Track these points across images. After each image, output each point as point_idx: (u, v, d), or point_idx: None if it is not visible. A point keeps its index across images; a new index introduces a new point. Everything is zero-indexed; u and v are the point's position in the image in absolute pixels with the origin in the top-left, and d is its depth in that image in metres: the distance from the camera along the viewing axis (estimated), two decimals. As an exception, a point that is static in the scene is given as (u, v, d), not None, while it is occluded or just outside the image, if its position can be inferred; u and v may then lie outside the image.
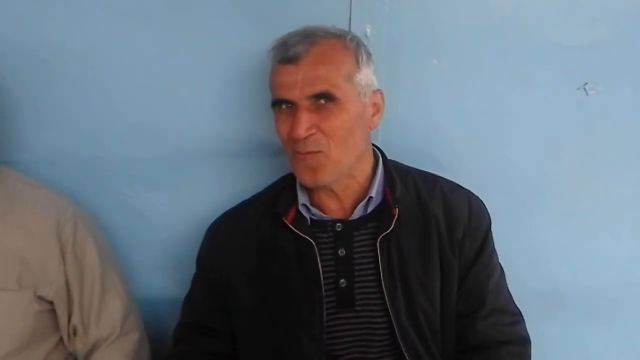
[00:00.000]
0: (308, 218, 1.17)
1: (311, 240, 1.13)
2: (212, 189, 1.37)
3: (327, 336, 1.13)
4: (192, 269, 1.39)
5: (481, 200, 1.23)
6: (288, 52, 1.08)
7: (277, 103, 1.11)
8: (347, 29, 1.28)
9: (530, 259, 1.41)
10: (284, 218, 1.15)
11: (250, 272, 1.17)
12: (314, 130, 1.08)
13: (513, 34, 1.33)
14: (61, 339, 1.22)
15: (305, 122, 1.07)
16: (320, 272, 1.13)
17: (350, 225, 1.16)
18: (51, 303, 1.17)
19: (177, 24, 1.29)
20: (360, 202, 1.16)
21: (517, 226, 1.39)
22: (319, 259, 1.13)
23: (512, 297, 1.24)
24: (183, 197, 1.37)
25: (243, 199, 1.30)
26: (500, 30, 1.33)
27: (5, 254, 1.12)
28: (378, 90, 1.17)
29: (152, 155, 1.34)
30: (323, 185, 1.13)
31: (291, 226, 1.14)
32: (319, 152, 1.09)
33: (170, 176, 1.36)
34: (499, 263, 1.24)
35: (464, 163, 1.38)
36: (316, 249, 1.13)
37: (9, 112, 1.29)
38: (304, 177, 1.12)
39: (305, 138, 1.07)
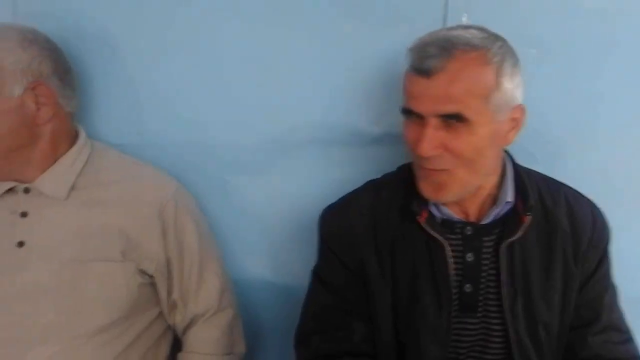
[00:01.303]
0: (439, 217, 1.14)
1: (443, 242, 1.11)
2: (308, 177, 1.38)
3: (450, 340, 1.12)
4: (286, 254, 1.44)
5: (601, 211, 1.18)
6: (423, 63, 1.02)
7: (406, 112, 1.08)
8: (443, 17, 1.27)
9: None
10: (417, 217, 1.12)
11: (381, 262, 1.15)
12: (440, 150, 1.04)
13: (620, 24, 1.28)
14: (161, 312, 1.28)
15: (431, 141, 1.03)
16: (450, 275, 1.11)
17: (480, 230, 1.13)
18: (152, 277, 1.23)
19: (282, 15, 1.32)
20: (488, 205, 1.13)
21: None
22: (449, 262, 1.11)
23: (624, 315, 1.19)
24: (280, 184, 1.39)
25: (338, 188, 1.32)
26: (604, 20, 1.28)
27: (110, 227, 1.18)
28: (519, 105, 1.09)
29: (252, 142, 1.37)
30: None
31: (425, 226, 1.12)
32: (444, 170, 1.06)
33: (268, 163, 1.39)
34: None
35: (563, 162, 1.34)
36: (447, 251, 1.11)
37: (113, 96, 1.37)
38: (426, 192, 1.10)
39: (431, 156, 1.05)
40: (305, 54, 1.33)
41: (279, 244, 1.43)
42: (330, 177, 1.38)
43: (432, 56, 1.01)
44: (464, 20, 1.28)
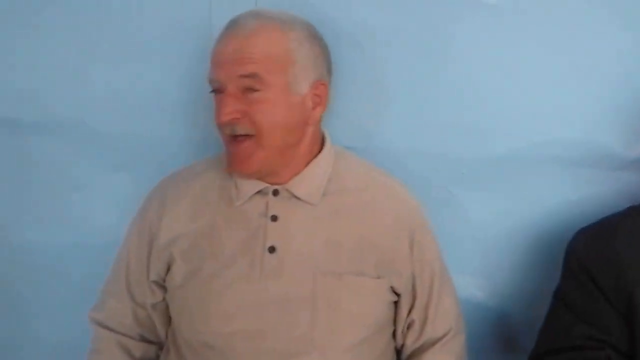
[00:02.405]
0: None
1: None
2: (541, 196, 1.29)
3: None
4: (504, 276, 1.35)
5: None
6: None
7: None
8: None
9: None
10: None
11: None
12: None
13: None
14: (393, 332, 1.20)
15: None
16: None
17: None
18: (399, 295, 1.15)
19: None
20: None
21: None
22: None
23: None
24: (509, 201, 1.30)
25: (579, 210, 1.23)
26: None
27: (363, 238, 1.10)
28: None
29: (481, 156, 1.29)
30: None
31: None
32: None
33: (497, 178, 1.30)
34: None
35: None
36: None
37: (350, 96, 1.28)
38: None
39: None
40: (563, 64, 1.23)
41: (497, 265, 1.35)
42: (567, 198, 1.29)
43: None
44: None
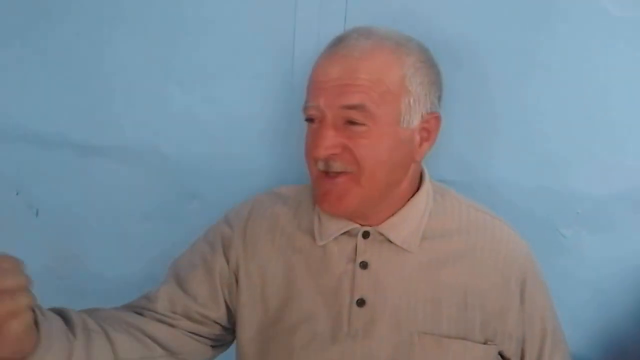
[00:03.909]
0: None
1: None
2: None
3: None
4: (629, 333, 1.17)
5: None
6: None
7: None
8: None
9: None
10: None
11: None
12: None
13: None
14: None
15: None
16: None
17: None
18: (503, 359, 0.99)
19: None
20: None
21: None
22: None
23: None
24: (627, 244, 1.13)
25: None
26: None
27: (468, 295, 0.95)
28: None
29: (600, 193, 1.11)
30: None
31: None
32: None
33: (617, 218, 1.12)
34: None
35: None
36: None
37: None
38: None
39: None
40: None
41: (616, 318, 1.16)
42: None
43: None
44: None
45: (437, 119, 0.94)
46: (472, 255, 0.97)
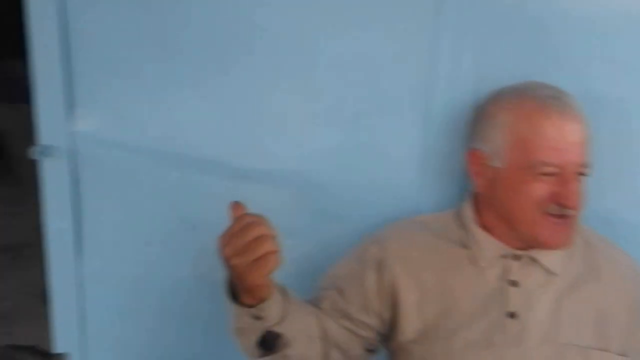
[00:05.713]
0: None
1: None
2: None
3: None
4: None
5: None
6: None
7: None
8: None
9: None
10: None
11: None
12: None
13: None
14: None
15: None
16: None
17: None
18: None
19: None
20: None
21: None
22: None
23: None
24: None
25: None
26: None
27: (607, 310, 1.11)
28: None
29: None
30: None
31: None
32: None
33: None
34: None
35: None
36: None
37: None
38: None
39: None
40: None
41: None
42: None
43: None
44: None
45: None
46: (609, 273, 1.14)
